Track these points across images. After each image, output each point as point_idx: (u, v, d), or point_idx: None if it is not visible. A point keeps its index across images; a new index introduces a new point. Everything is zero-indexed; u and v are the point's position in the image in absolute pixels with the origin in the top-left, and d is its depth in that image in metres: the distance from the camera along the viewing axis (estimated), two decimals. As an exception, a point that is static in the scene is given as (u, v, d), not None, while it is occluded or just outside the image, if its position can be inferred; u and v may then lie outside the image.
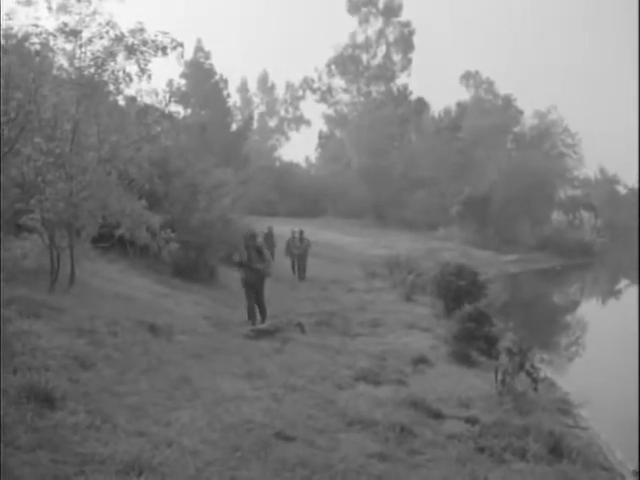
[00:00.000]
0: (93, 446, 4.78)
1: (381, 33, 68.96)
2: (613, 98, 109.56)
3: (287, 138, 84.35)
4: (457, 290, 15.30)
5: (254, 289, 12.32)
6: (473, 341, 11.32)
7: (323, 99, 72.12)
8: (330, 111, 72.57)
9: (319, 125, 74.86)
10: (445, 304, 15.71)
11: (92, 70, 10.75)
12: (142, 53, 10.91)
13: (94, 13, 10.89)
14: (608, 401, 10.44)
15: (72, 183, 9.98)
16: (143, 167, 11.35)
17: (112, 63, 10.83)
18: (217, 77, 58.51)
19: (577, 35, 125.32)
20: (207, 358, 8.72)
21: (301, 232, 23.66)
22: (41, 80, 9.44)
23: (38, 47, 10.22)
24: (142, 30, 10.95)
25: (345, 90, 71.17)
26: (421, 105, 66.33)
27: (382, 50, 69.38)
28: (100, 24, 10.83)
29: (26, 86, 8.72)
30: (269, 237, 26.17)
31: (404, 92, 68.39)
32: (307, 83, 73.38)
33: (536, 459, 6.49)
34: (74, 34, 10.74)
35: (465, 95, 68.74)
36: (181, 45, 11.25)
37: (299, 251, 23.00)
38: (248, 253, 12.25)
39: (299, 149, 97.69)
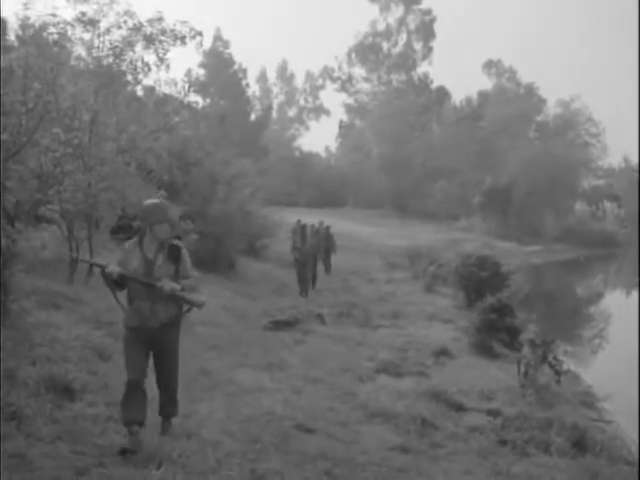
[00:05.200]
0: (112, 437, 4.77)
1: (402, 21, 68.48)
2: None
3: (307, 128, 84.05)
4: (479, 281, 15.20)
5: (149, 348, 4.99)
6: (495, 333, 11.20)
7: (343, 88, 71.88)
8: (350, 100, 72.35)
9: (339, 115, 74.63)
10: (467, 295, 15.61)
11: (110, 60, 10.77)
12: (161, 42, 10.92)
13: (112, 2, 10.92)
14: (632, 394, 10.26)
15: (91, 174, 9.99)
16: (162, 157, 11.36)
17: (130, 53, 10.85)
18: (236, 66, 58.56)
19: (599, 24, 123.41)
20: (226, 350, 8.70)
21: (303, 226, 16.83)
22: (59, 70, 9.43)
23: (56, 37, 10.24)
24: (160, 19, 10.95)
25: (365, 79, 70.89)
26: (442, 94, 65.82)
27: (403, 38, 68.96)
28: (118, 13, 10.87)
29: (44, 76, 8.70)
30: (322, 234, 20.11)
31: (425, 81, 67.99)
32: (327, 72, 73.25)
33: (559, 453, 6.41)
34: (92, 24, 10.75)
35: (487, 84, 68.09)
36: (200, 34, 11.23)
37: (300, 253, 16.34)
38: (142, 255, 4.87)
39: (319, 139, 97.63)
